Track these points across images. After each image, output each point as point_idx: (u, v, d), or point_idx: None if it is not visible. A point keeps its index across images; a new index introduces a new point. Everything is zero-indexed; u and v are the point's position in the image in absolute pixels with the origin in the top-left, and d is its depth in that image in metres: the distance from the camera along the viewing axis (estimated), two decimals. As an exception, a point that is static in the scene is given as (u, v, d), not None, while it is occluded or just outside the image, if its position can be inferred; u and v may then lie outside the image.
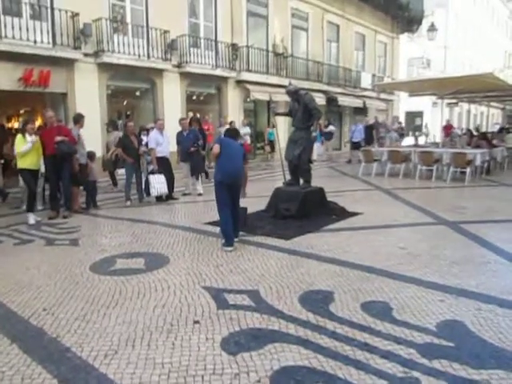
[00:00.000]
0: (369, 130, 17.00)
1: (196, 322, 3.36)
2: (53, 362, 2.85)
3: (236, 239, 5.50)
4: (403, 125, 21.87)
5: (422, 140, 20.05)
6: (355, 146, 16.85)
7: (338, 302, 3.68)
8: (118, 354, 2.92)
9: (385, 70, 26.95)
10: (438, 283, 4.10)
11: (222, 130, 10.08)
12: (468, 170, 10.96)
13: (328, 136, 17.67)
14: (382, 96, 25.38)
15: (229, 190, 5.30)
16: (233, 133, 5.81)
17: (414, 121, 34.00)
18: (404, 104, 29.43)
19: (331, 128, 17.75)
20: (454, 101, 21.59)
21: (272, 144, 16.95)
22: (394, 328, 3.22)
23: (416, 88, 15.23)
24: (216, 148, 5.35)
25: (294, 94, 7.30)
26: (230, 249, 5.21)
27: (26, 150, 6.97)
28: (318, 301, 3.71)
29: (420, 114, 33.74)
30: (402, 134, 18.71)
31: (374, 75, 24.82)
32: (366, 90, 23.69)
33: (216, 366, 2.76)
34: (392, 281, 4.17)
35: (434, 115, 29.20)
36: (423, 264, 4.66)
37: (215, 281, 4.21)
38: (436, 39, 25.18)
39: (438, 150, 12.21)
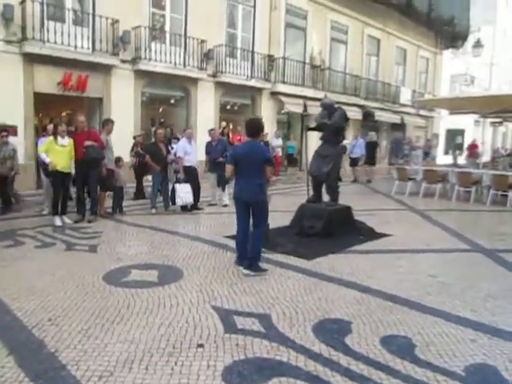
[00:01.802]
0: (371, 145, 15.56)
1: (200, 345, 3.16)
2: (46, 380, 2.71)
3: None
4: (433, 142, 20.68)
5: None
6: (353, 162, 15.35)
7: (355, 334, 3.39)
8: (113, 376, 2.75)
9: (426, 86, 26.20)
10: (469, 319, 3.74)
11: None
12: (510, 193, 10.33)
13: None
14: (422, 112, 24.67)
15: (246, 207, 4.91)
16: (253, 129, 4.94)
17: (454, 139, 32.90)
18: (445, 121, 28.50)
19: (344, 142, 16.72)
20: (498, 120, 20.66)
21: (291, 158, 16.33)
22: (415, 369, 2.91)
23: (457, 106, 14.61)
24: (228, 171, 4.98)
25: (329, 107, 7.07)
26: (239, 268, 4.92)
27: (41, 157, 7.38)
28: (333, 331, 3.43)
29: (461, 132, 32.61)
30: (427, 153, 17.70)
31: (414, 91, 24.15)
32: (404, 105, 23.08)
33: (214, 399, 2.55)
34: (417, 313, 3.83)
35: (476, 134, 28.09)
36: (454, 296, 4.28)
37: (226, 301, 4.00)
38: (482, 56, 24.33)
39: (477, 171, 11.62)
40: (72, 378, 2.74)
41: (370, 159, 15.61)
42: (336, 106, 7.18)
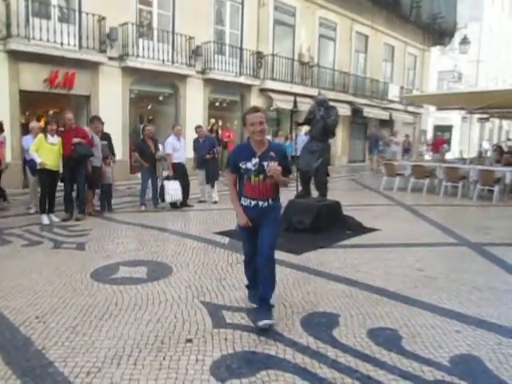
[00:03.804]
0: None
1: (188, 340, 3.16)
2: (33, 377, 2.69)
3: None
4: (411, 138, 20.51)
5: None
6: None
7: (342, 327, 3.42)
8: (102, 372, 2.75)
9: (414, 83, 26.40)
10: (454, 311, 3.79)
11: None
12: (496, 188, 10.48)
13: None
14: (410, 109, 24.86)
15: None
16: None
17: (442, 135, 33.23)
18: (432, 118, 28.75)
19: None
20: (484, 116, 20.88)
21: None
22: (401, 360, 2.94)
23: (444, 101, 14.76)
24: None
25: (322, 104, 7.06)
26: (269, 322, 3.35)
27: (32, 156, 7.21)
28: (321, 324, 3.46)
29: (449, 129, 32.93)
30: (407, 150, 17.62)
31: (402, 87, 24.33)
32: (393, 102, 23.24)
33: (202, 392, 2.56)
34: (404, 306, 3.88)
35: (464, 130, 28.41)
36: (440, 288, 4.34)
37: (215, 296, 4.01)
38: (468, 53, 24.55)
39: (464, 167, 11.75)
40: (60, 374, 2.73)
41: None
42: (330, 104, 7.21)
